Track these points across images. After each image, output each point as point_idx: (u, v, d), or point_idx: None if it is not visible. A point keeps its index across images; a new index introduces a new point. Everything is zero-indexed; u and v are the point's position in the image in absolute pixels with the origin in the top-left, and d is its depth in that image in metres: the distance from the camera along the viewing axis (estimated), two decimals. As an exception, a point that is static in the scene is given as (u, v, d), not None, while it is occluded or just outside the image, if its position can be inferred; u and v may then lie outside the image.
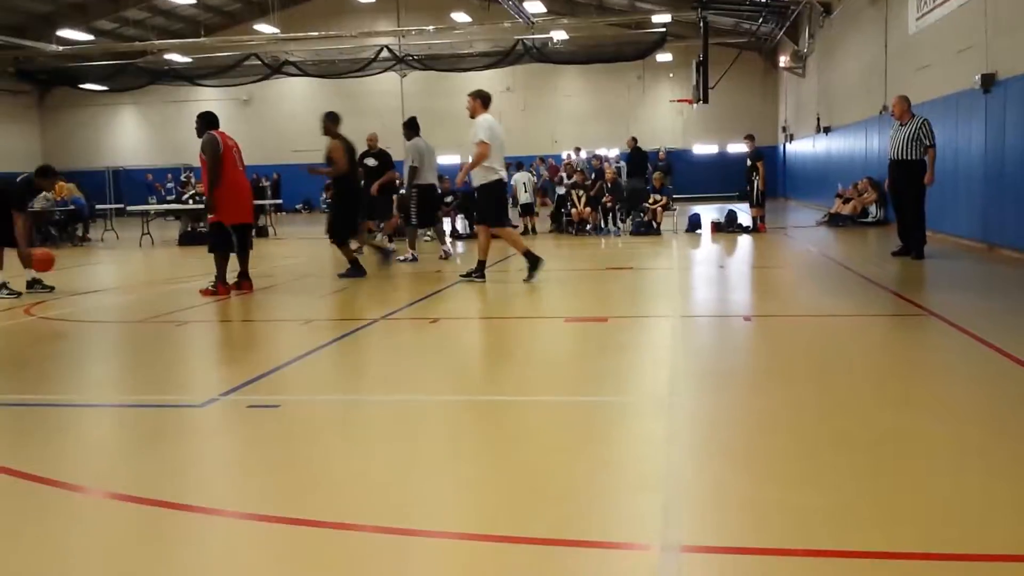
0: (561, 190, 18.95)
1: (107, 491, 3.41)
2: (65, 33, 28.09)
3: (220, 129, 9.22)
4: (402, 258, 12.02)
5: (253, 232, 10.15)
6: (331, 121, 10.36)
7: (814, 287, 9.05)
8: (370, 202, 12.63)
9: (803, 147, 26.96)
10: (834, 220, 16.99)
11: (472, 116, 9.55)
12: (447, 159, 31.58)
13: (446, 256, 12.47)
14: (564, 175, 17.96)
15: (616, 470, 3.48)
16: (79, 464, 3.83)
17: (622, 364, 5.61)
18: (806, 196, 25.60)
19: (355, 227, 10.72)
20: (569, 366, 5.69)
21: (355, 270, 10.18)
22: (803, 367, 5.31)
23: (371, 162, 12.83)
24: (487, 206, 9.66)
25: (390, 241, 13.28)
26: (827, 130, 22.26)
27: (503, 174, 9.68)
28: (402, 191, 13.55)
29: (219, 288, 9.04)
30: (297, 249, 16.38)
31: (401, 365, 5.89)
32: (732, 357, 5.77)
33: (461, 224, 17.88)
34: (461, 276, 9.84)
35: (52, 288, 9.81)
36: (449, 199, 17.57)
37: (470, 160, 9.35)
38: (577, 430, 4.07)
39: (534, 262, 9.53)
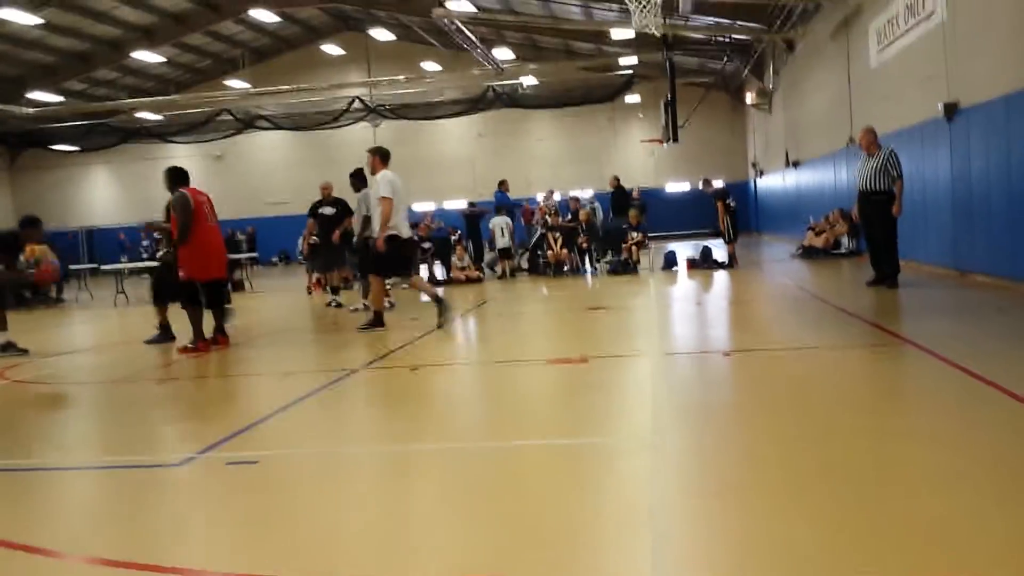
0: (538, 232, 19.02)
1: (84, 555, 3.33)
2: (35, 95, 28.13)
3: (191, 185, 9.20)
4: (354, 308, 12.07)
5: (228, 287, 10.08)
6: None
7: (791, 320, 9.10)
8: (332, 252, 12.95)
9: (773, 182, 27.32)
10: (807, 253, 17.17)
11: (372, 173, 9.72)
12: (422, 206, 31.80)
13: (390, 307, 11.82)
14: (546, 218, 18.01)
15: (603, 511, 3.44)
16: (54, 529, 3.73)
17: (605, 404, 5.59)
18: (778, 230, 25.88)
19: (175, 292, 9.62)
20: (552, 409, 5.66)
21: (164, 335, 9.83)
22: (784, 400, 5.31)
23: (328, 211, 12.96)
24: (382, 258, 9.64)
25: (335, 293, 13.32)
26: (796, 164, 22.59)
27: (403, 229, 9.69)
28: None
29: (198, 345, 8.94)
30: (274, 302, 16.30)
31: (382, 415, 5.84)
32: (713, 393, 5.77)
33: (440, 271, 17.89)
34: (359, 328, 9.78)
35: (26, 351, 9.67)
36: (427, 245, 17.59)
37: (376, 219, 9.53)
38: (563, 473, 4.03)
39: (378, 322, 9.64)
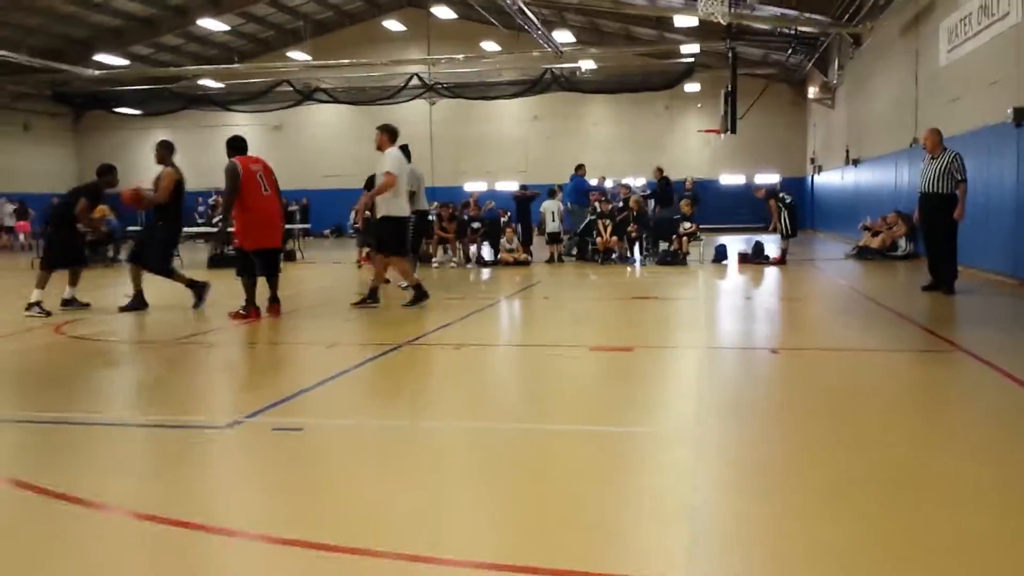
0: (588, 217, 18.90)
1: (129, 510, 3.43)
2: (101, 58, 28.69)
3: (249, 154, 9.34)
4: (403, 284, 11.83)
5: (281, 256, 10.23)
6: (166, 150, 10.10)
7: (842, 320, 8.96)
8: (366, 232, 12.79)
9: (832, 179, 26.82)
10: (862, 253, 16.85)
11: (379, 149, 9.67)
12: (474, 186, 31.84)
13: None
14: (595, 204, 17.89)
15: (641, 501, 3.45)
16: (102, 482, 3.85)
17: (647, 394, 5.58)
18: (835, 228, 25.42)
19: (170, 259, 10.57)
20: (594, 395, 5.66)
21: (138, 302, 9.97)
22: (830, 402, 5.24)
23: None
24: (388, 236, 9.67)
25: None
26: (856, 162, 22.15)
27: (403, 208, 9.71)
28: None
29: (250, 312, 9.09)
30: (323, 273, 16.50)
31: (424, 391, 5.89)
32: (759, 389, 5.72)
33: (488, 251, 17.93)
34: (352, 304, 9.88)
35: (88, 305, 10.02)
36: (476, 225, 17.64)
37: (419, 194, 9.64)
38: (602, 460, 4.04)
39: (421, 295, 9.69)
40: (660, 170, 20.34)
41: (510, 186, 28.19)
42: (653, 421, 4.88)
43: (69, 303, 9.97)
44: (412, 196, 11.60)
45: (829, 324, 8.94)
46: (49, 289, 9.75)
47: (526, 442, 4.40)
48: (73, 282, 10.16)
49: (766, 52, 28.08)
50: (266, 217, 9.22)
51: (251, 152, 9.47)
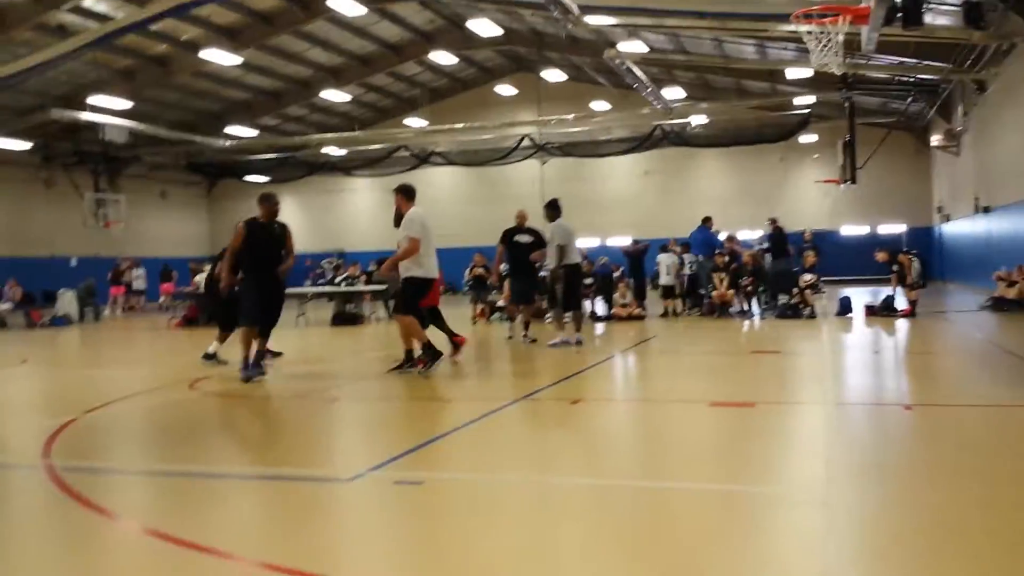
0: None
1: (256, 560, 3.52)
2: (232, 129, 30.48)
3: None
4: (555, 342, 11.47)
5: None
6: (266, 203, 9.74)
7: (980, 375, 8.47)
8: (527, 282, 12.25)
9: (961, 228, 25.64)
10: (998, 304, 15.95)
11: (400, 211, 9.32)
12: (586, 242, 31.92)
13: (578, 344, 11.63)
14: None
15: (768, 566, 3.32)
16: (231, 533, 3.99)
17: (772, 452, 5.40)
18: (966, 279, 24.20)
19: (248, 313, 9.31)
20: (716, 452, 5.51)
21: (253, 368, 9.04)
22: (970, 461, 4.94)
23: (523, 238, 12.13)
24: (408, 297, 9.22)
25: (526, 329, 12.37)
26: (987, 209, 21.12)
27: (431, 270, 9.26)
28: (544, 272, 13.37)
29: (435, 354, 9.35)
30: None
31: (542, 446, 5.88)
32: (892, 448, 5.44)
33: (601, 306, 17.88)
34: (391, 370, 9.25)
35: (226, 362, 10.40)
36: (589, 281, 17.63)
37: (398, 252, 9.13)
38: (725, 520, 3.92)
39: (432, 355, 9.01)
40: (773, 221, 19.83)
41: (622, 241, 28.14)
42: (779, 480, 4.71)
43: (210, 358, 10.44)
44: (563, 250, 11.62)
45: (967, 378, 8.47)
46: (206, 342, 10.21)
47: (646, 500, 4.31)
48: (222, 339, 10.63)
49: (884, 100, 27.33)
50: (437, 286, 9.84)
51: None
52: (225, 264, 9.39)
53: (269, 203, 9.59)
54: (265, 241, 9.33)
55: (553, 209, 11.88)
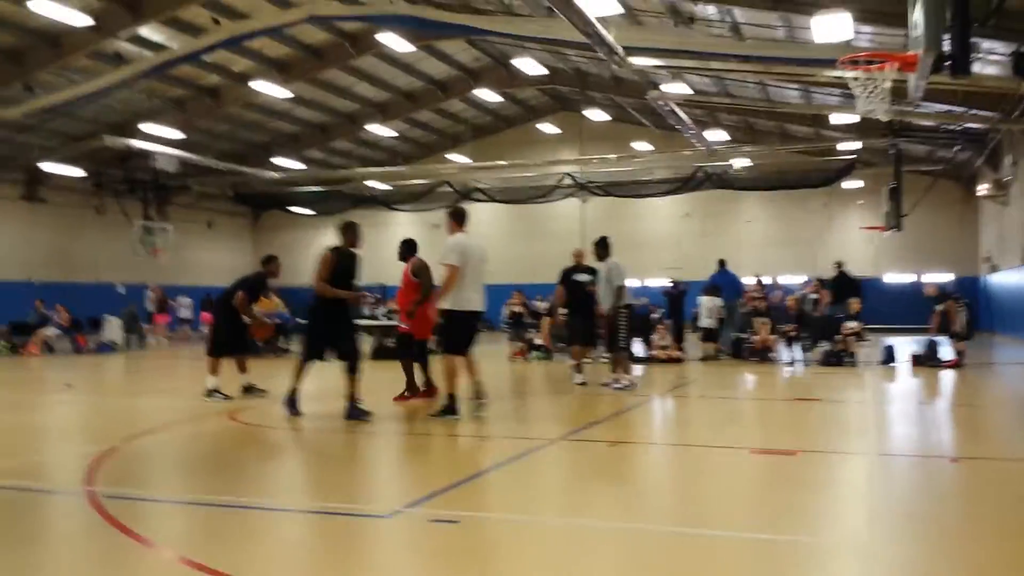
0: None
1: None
2: (279, 161, 31.03)
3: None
4: (619, 386, 11.08)
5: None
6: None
7: (1030, 430, 8.26)
8: (583, 322, 11.82)
9: (1009, 279, 25.14)
10: (1049, 357, 15.57)
11: (451, 234, 8.79)
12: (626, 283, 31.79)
13: (631, 386, 11.32)
14: (753, 304, 17.45)
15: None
16: (266, 565, 4.00)
17: (813, 501, 5.29)
18: (1015, 331, 23.68)
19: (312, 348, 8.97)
20: (756, 500, 5.41)
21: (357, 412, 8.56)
22: (1016, 518, 4.81)
23: (583, 277, 11.88)
24: (451, 333, 8.65)
25: (579, 371, 11.95)
26: (1036, 261, 20.71)
27: (468, 303, 8.57)
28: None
29: (419, 393, 9.91)
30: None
31: (578, 488, 5.82)
32: (936, 501, 5.31)
33: (640, 348, 17.75)
34: (431, 415, 8.67)
35: (265, 392, 10.49)
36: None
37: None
38: (763, 570, 3.84)
39: (451, 409, 8.41)
40: (839, 264, 19.37)
41: (660, 282, 28.02)
42: (819, 531, 4.61)
43: (249, 390, 10.53)
44: (620, 291, 11.26)
45: (1014, 432, 8.26)
46: (225, 374, 10.36)
47: (683, 547, 4.25)
48: (242, 369, 10.72)
49: (931, 148, 27.05)
50: (434, 311, 9.74)
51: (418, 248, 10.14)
52: (326, 289, 8.68)
53: (353, 233, 9.19)
54: (347, 270, 8.91)
55: (603, 248, 11.58)
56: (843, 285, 18.32)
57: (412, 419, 8.89)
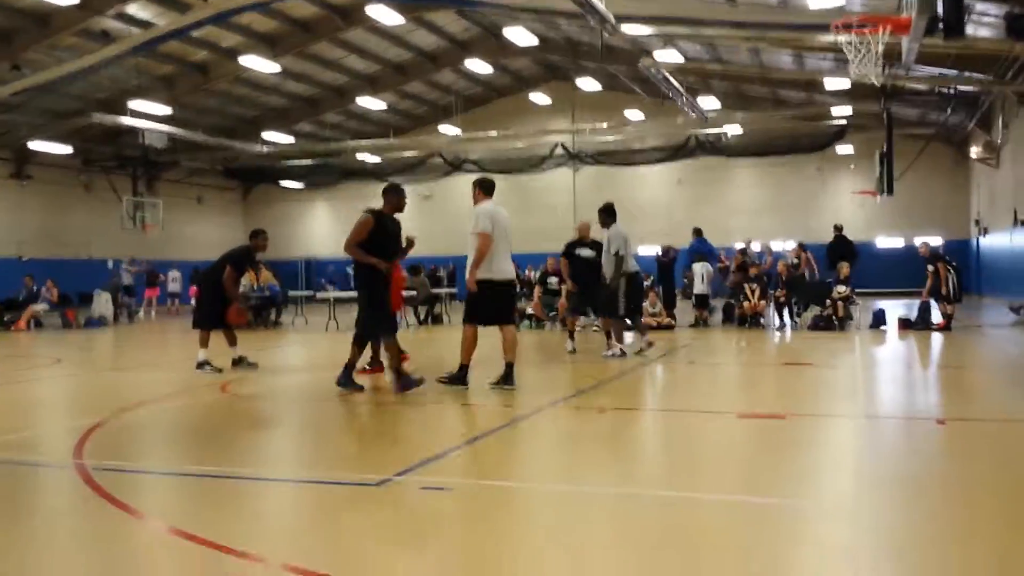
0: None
1: (279, 562, 3.55)
2: (269, 135, 30.85)
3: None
4: (609, 353, 11.11)
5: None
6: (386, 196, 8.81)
7: (1015, 390, 8.32)
8: (588, 296, 11.75)
9: (999, 241, 25.21)
10: (1037, 319, 15.66)
11: (476, 205, 8.41)
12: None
13: (649, 345, 11.42)
14: (736, 266, 17.58)
15: None
16: (256, 535, 4.02)
17: (801, 464, 5.34)
18: (1003, 293, 23.79)
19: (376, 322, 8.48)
20: (743, 464, 5.45)
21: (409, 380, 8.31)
22: (1003, 476, 4.86)
23: (586, 252, 11.80)
24: (483, 303, 8.22)
25: (571, 338, 12.14)
26: (1026, 223, 20.76)
27: (503, 271, 8.26)
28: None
29: (375, 368, 9.71)
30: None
31: (567, 454, 5.86)
32: (923, 462, 5.36)
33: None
34: (438, 380, 8.41)
35: (256, 365, 10.53)
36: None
37: (471, 256, 8.11)
38: (751, 532, 3.88)
39: (461, 379, 8.28)
40: (838, 228, 19.26)
41: (653, 250, 28.05)
42: (807, 493, 4.65)
43: (238, 363, 10.54)
44: (618, 260, 11.06)
45: (1001, 393, 8.32)
46: (215, 347, 10.36)
47: (672, 511, 4.28)
48: (231, 342, 10.69)
49: (923, 112, 26.99)
50: (399, 283, 9.67)
51: (404, 222, 9.80)
52: (357, 254, 8.18)
53: (397, 195, 8.60)
54: (388, 238, 8.35)
55: (608, 215, 11.33)
56: (841, 248, 18.31)
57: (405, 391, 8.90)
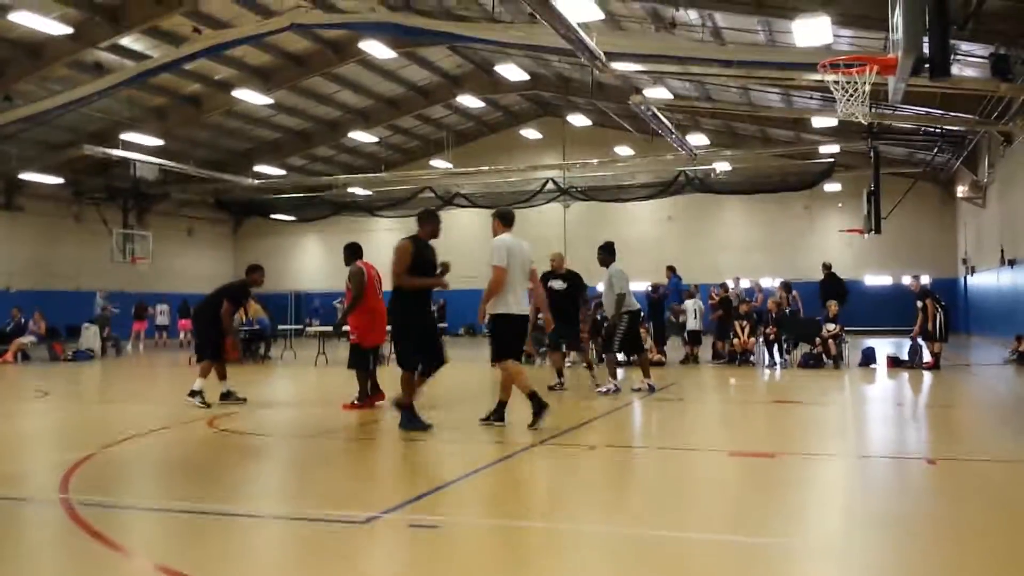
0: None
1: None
2: (260, 168, 30.93)
3: (366, 260, 10.16)
4: (603, 389, 11.06)
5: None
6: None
7: (1006, 430, 8.33)
8: (562, 328, 11.44)
9: (986, 280, 25.39)
10: (1023, 358, 15.74)
11: (495, 236, 8.32)
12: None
13: (651, 390, 11.31)
14: (723, 303, 17.64)
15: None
16: (242, 572, 3.97)
17: (790, 503, 5.32)
18: (991, 332, 23.91)
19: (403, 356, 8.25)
20: (733, 503, 5.43)
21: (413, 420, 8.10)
22: (994, 518, 4.85)
23: (557, 284, 11.80)
24: (504, 338, 8.15)
25: (560, 377, 11.96)
26: (1012, 263, 20.92)
27: (518, 305, 8.12)
28: (598, 317, 13.00)
29: (366, 401, 9.78)
30: (460, 371, 16.75)
31: (558, 492, 5.83)
32: (913, 502, 5.35)
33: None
34: (481, 420, 8.33)
35: (244, 400, 10.44)
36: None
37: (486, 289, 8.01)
38: (740, 571, 3.86)
39: (499, 416, 8.23)
40: (827, 266, 19.38)
41: (644, 286, 28.13)
42: (796, 532, 4.63)
43: (227, 396, 10.46)
44: (620, 298, 11.08)
45: (992, 433, 8.33)
46: (211, 380, 10.26)
47: (661, 550, 4.26)
48: (221, 376, 10.59)
49: (910, 151, 27.31)
50: (382, 317, 9.74)
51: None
52: (412, 282, 8.14)
53: (432, 221, 8.53)
54: (425, 264, 8.23)
55: (608, 253, 11.37)
56: (832, 286, 18.34)
57: (391, 426, 8.85)
